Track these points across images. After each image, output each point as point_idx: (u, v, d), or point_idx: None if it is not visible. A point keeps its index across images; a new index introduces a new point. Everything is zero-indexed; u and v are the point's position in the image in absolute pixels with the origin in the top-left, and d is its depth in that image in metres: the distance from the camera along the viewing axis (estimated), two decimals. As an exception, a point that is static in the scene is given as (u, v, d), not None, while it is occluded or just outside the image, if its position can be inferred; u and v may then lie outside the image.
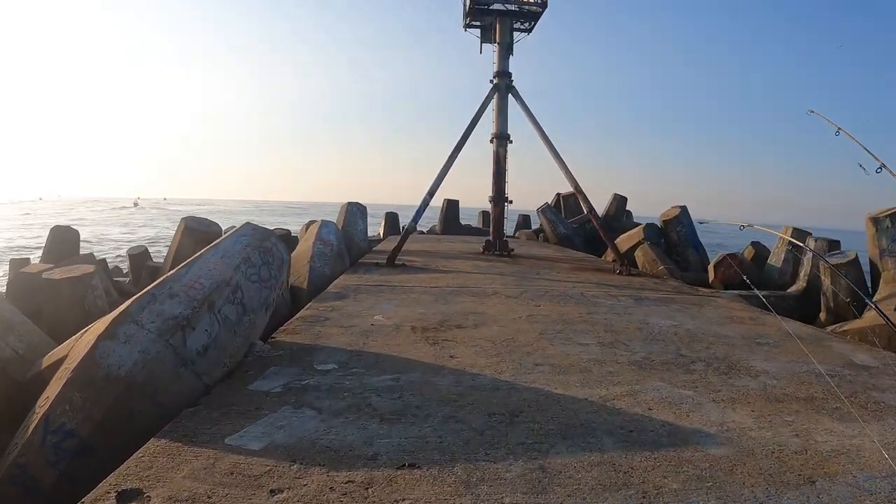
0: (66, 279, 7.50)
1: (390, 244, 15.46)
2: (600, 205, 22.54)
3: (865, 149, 4.78)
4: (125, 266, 17.12)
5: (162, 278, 4.94)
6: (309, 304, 7.53)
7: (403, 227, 24.14)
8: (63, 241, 12.64)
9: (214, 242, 5.50)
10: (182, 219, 10.46)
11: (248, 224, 5.85)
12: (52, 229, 12.80)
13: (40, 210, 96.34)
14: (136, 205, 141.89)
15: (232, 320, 4.96)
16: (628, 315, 7.42)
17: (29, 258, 15.02)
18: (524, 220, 27.16)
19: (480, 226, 26.02)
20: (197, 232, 10.18)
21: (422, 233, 24.18)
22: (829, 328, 8.98)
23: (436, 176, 13.02)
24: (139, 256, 16.94)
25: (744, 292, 11.81)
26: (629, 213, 24.77)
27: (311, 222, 13.89)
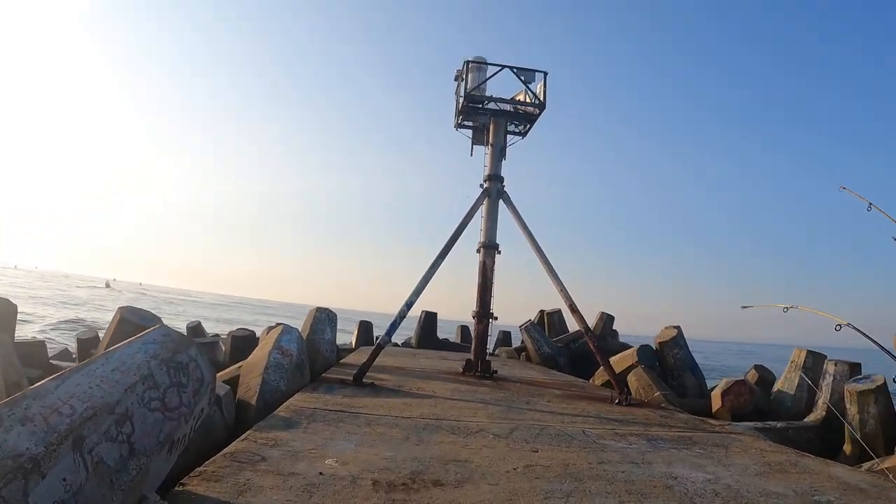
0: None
1: (361, 356, 13.79)
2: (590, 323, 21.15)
3: None
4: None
5: (21, 392, 3.37)
6: (246, 433, 5.85)
7: (377, 338, 22.54)
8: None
9: (111, 348, 3.93)
10: (118, 308, 8.79)
11: (159, 328, 4.28)
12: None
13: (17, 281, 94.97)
14: (107, 285, 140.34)
15: (109, 466, 3.33)
16: (648, 466, 5.81)
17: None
18: (505, 337, 25.52)
19: (459, 341, 24.32)
20: (132, 325, 8.52)
21: (396, 345, 22.41)
22: (865, 466, 7.78)
23: (415, 286, 11.53)
24: (88, 342, 15.13)
25: (759, 425, 10.56)
26: (615, 332, 23.34)
27: (273, 327, 12.24)
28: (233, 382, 9.04)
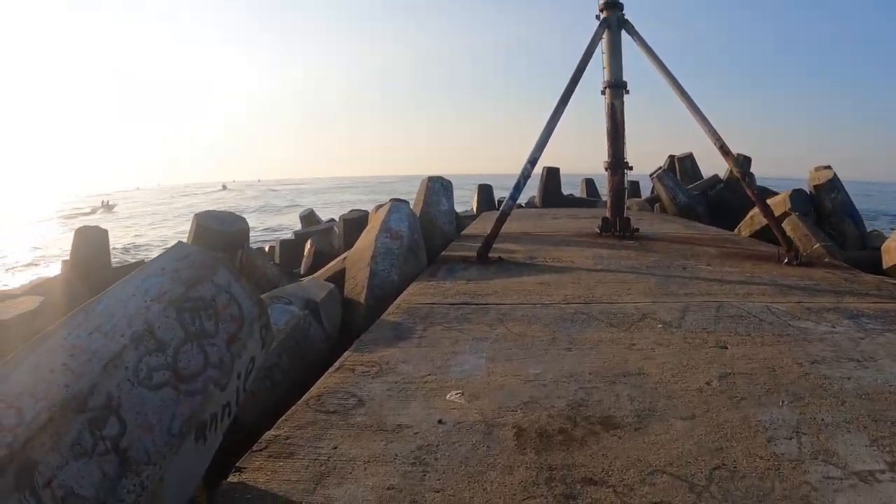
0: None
1: (483, 226, 12.29)
2: (717, 168, 18.67)
3: None
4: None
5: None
6: (345, 355, 4.50)
7: (499, 202, 20.88)
8: (88, 245, 10.08)
9: (98, 296, 2.54)
10: (193, 217, 7.54)
11: (174, 248, 2.82)
12: (77, 231, 10.26)
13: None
14: (224, 188, 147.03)
15: (85, 498, 2.01)
16: (874, 365, 4.05)
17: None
18: (632, 187, 23.30)
19: (584, 195, 22.40)
20: (213, 232, 7.28)
21: (520, 206, 20.78)
22: None
23: (536, 141, 9.73)
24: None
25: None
26: (752, 175, 20.69)
27: (382, 205, 10.87)
28: (339, 277, 7.78)
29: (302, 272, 12.55)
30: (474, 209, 20.55)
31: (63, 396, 2.06)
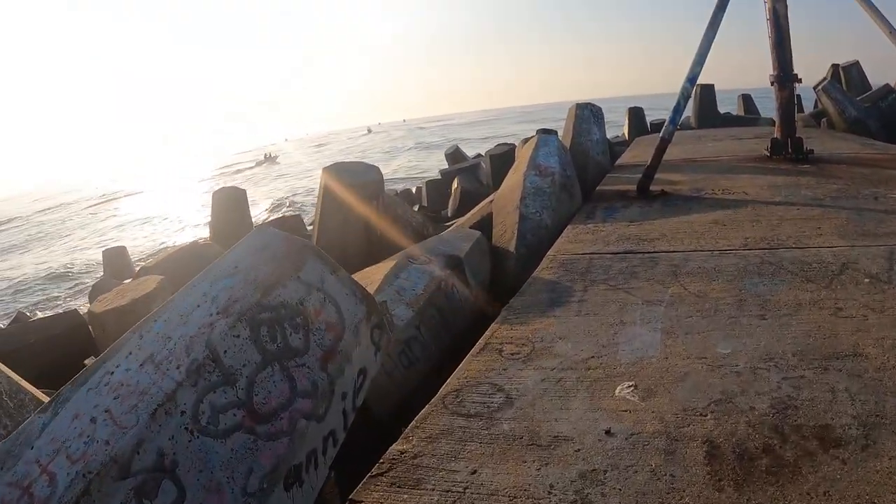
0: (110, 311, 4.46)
1: (638, 153, 11.22)
2: (886, 78, 16.16)
3: None
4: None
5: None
6: (491, 328, 3.83)
7: (652, 125, 19.35)
8: (227, 207, 9.92)
9: (160, 310, 1.97)
10: (323, 170, 6.99)
11: (257, 232, 2.20)
12: (214, 194, 10.13)
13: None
14: (369, 131, 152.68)
15: None
16: None
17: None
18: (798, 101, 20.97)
19: (743, 113, 20.33)
20: (345, 186, 6.71)
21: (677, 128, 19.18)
22: None
23: (694, 55, 8.51)
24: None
25: None
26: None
27: (529, 139, 10.02)
28: (487, 222, 7.11)
29: (449, 214, 12.00)
30: (626, 135, 19.19)
31: (102, 458, 1.52)
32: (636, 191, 7.49)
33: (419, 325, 4.39)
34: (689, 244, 5.17)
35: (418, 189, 16.91)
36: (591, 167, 9.64)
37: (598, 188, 8.39)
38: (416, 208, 13.23)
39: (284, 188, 48.00)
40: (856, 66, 17.52)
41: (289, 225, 9.80)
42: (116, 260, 14.42)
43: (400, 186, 22.48)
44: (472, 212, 8.05)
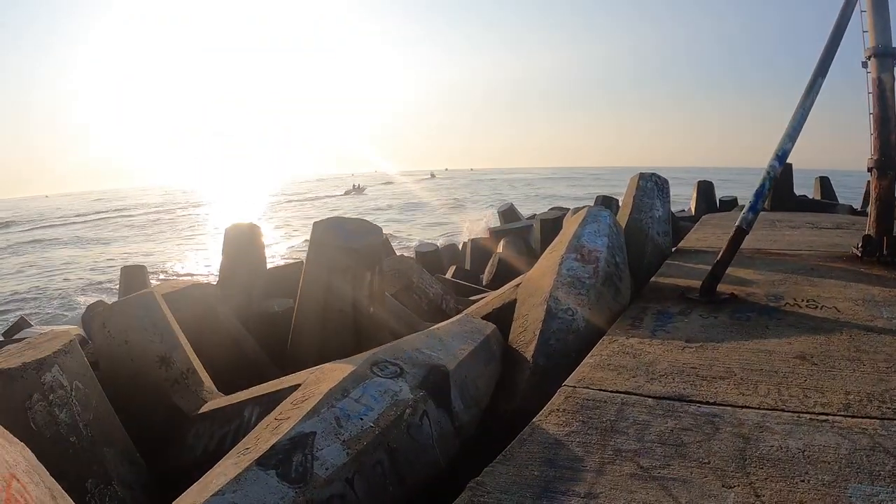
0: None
1: (704, 236, 9.61)
2: None
3: None
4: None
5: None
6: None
7: (721, 202, 17.49)
8: (240, 242, 8.52)
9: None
10: (314, 224, 5.56)
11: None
12: (227, 230, 8.72)
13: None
14: (432, 176, 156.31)
15: None
16: None
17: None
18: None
19: (819, 196, 18.26)
20: (332, 250, 5.26)
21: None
22: None
23: (786, 129, 6.87)
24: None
25: None
26: None
27: (579, 209, 8.45)
28: (509, 312, 5.57)
29: (484, 283, 10.46)
30: (692, 209, 17.40)
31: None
32: (700, 291, 5.85)
33: (353, 476, 2.91)
34: (765, 395, 3.55)
35: (464, 245, 15.36)
36: (649, 250, 8.03)
37: (653, 279, 6.78)
38: (451, 270, 11.72)
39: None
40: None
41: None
42: (134, 279, 13.22)
43: (443, 241, 20.99)
44: (495, 293, 6.51)
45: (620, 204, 9.02)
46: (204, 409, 4.55)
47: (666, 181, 9.00)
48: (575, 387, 3.74)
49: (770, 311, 5.35)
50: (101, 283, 25.84)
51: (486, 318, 5.79)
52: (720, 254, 6.00)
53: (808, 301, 5.67)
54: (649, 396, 3.55)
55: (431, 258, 13.49)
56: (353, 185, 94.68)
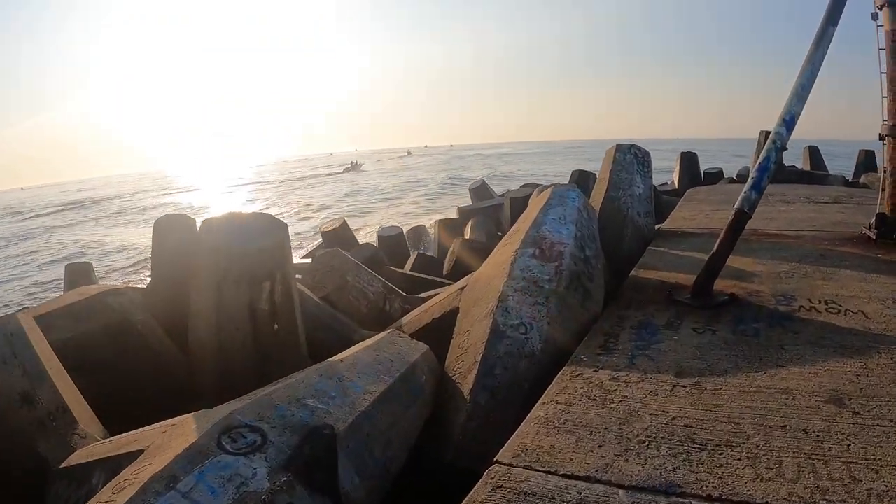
0: None
1: (691, 214, 8.45)
2: None
3: None
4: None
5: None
6: None
7: (706, 175, 16.24)
8: (171, 237, 7.20)
9: None
10: (202, 223, 4.31)
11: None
12: (156, 223, 7.38)
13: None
14: (409, 153, 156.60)
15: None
16: None
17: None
18: (867, 158, 17.46)
19: (808, 167, 16.97)
20: (220, 256, 4.00)
21: (733, 180, 15.86)
22: None
23: (793, 87, 5.58)
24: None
25: None
26: None
27: (545, 188, 7.20)
28: (448, 325, 4.34)
29: (444, 272, 9.19)
30: (675, 183, 16.14)
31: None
32: (691, 291, 4.61)
33: None
34: (794, 479, 2.31)
35: (437, 224, 14.05)
36: (628, 234, 6.80)
37: (633, 272, 5.55)
38: (414, 256, 10.44)
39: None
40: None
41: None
42: (79, 278, 11.95)
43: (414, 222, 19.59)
44: (436, 298, 5.22)
45: (597, 179, 7.79)
46: (70, 460, 3.39)
47: (647, 153, 7.73)
48: (510, 466, 2.48)
49: (782, 320, 4.10)
50: (48, 283, 23.99)
51: (423, 331, 4.57)
52: (716, 244, 4.72)
53: (826, 303, 4.43)
54: (622, 486, 2.30)
55: (393, 243, 12.25)
56: (351, 162, 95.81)
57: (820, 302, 4.44)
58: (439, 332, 4.26)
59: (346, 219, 12.93)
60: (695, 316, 4.24)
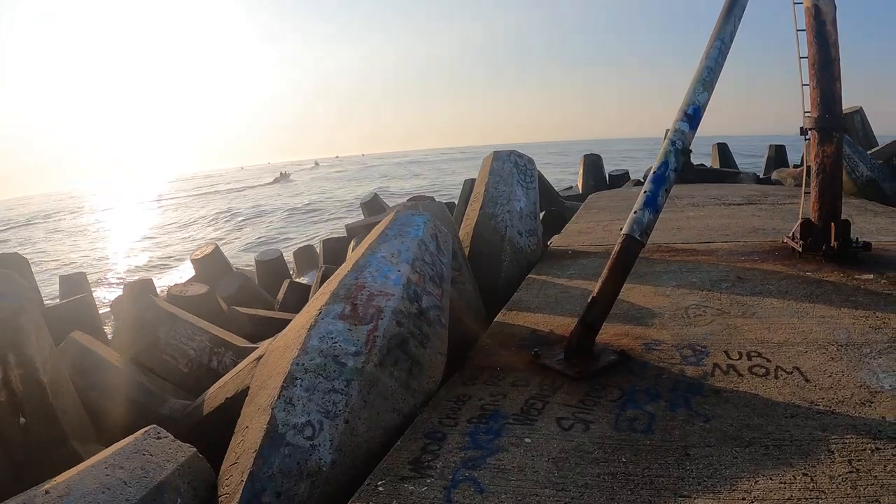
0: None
1: (588, 226, 7.39)
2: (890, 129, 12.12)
3: None
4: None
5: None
6: None
7: (611, 177, 15.27)
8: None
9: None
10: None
11: None
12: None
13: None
14: (316, 164, 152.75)
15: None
16: None
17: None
18: (777, 153, 16.77)
19: (718, 165, 16.24)
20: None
21: (639, 182, 14.91)
22: None
23: (697, 72, 4.34)
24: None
25: None
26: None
27: (395, 208, 5.94)
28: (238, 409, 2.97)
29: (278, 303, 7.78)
30: (579, 186, 15.10)
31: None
32: (566, 352, 3.33)
33: None
34: None
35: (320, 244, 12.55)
36: (507, 259, 5.57)
37: (498, 317, 4.27)
38: (285, 286, 8.94)
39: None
40: (859, 112, 13.33)
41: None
42: (74, 287, 10.11)
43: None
44: (237, 368, 3.81)
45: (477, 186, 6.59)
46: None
47: (530, 160, 6.52)
48: None
49: (689, 394, 2.84)
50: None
51: (214, 416, 3.25)
52: (599, 283, 3.46)
53: (749, 356, 3.22)
54: None
55: (272, 268, 10.79)
56: (280, 173, 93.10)
57: (741, 356, 3.24)
58: (233, 419, 2.89)
59: (217, 244, 11.35)
60: (565, 393, 2.93)
